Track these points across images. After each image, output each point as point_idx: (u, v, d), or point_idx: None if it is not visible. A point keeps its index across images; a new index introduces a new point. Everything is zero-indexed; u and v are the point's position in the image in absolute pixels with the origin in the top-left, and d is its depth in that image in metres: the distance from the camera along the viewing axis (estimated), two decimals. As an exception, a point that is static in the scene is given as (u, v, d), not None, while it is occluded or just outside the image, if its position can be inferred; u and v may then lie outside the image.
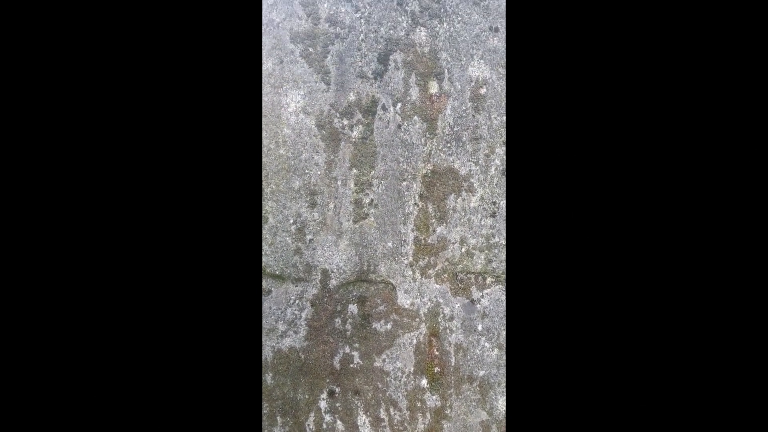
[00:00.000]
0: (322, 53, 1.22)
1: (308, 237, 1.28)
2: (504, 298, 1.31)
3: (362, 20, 1.22)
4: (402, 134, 1.26)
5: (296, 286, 1.30)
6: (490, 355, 1.32)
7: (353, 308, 1.30)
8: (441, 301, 1.31)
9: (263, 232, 1.27)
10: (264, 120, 1.24)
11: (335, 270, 1.29)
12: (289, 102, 1.24)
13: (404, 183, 1.27)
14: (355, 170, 1.26)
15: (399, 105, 1.25)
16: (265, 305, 1.29)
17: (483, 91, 1.25)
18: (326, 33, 1.22)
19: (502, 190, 1.28)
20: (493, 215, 1.29)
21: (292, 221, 1.28)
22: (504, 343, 1.31)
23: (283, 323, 1.30)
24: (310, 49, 1.22)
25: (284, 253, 1.28)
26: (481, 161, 1.27)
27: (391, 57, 1.23)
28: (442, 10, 1.22)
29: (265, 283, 1.29)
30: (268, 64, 1.22)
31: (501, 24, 1.23)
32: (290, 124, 1.24)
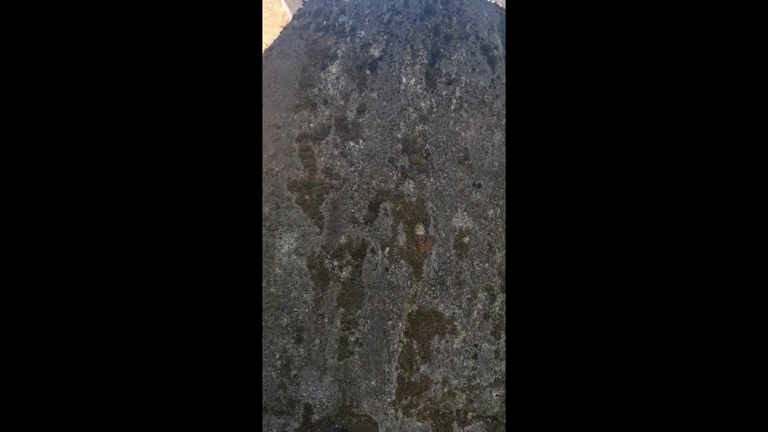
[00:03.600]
0: (317, 200, 1.31)
1: (293, 372, 1.30)
2: (485, 437, 1.32)
3: (356, 173, 1.31)
4: (389, 276, 1.31)
5: (279, 418, 1.30)
6: (471, 498, 1.30)
7: (334, 444, 1.30)
8: (422, 439, 1.31)
9: (249, 366, 1.29)
10: (258, 258, 1.30)
11: (318, 405, 1.30)
12: (283, 244, 1.30)
13: (390, 323, 1.31)
14: (342, 309, 1.31)
15: (387, 249, 1.31)
16: (246, 438, 1.29)
17: (466, 239, 1.32)
18: (322, 183, 1.31)
19: (483, 333, 1.32)
20: (475, 357, 1.32)
21: (278, 356, 1.30)
22: (484, 488, 1.30)
23: (263, 458, 1.29)
24: (306, 197, 1.30)
25: (269, 386, 1.30)
26: (464, 305, 1.32)
27: (381, 206, 1.31)
28: (430, 167, 1.32)
29: (248, 415, 1.30)
30: (265, 209, 1.30)
31: (484, 181, 1.33)
32: (282, 264, 1.30)
